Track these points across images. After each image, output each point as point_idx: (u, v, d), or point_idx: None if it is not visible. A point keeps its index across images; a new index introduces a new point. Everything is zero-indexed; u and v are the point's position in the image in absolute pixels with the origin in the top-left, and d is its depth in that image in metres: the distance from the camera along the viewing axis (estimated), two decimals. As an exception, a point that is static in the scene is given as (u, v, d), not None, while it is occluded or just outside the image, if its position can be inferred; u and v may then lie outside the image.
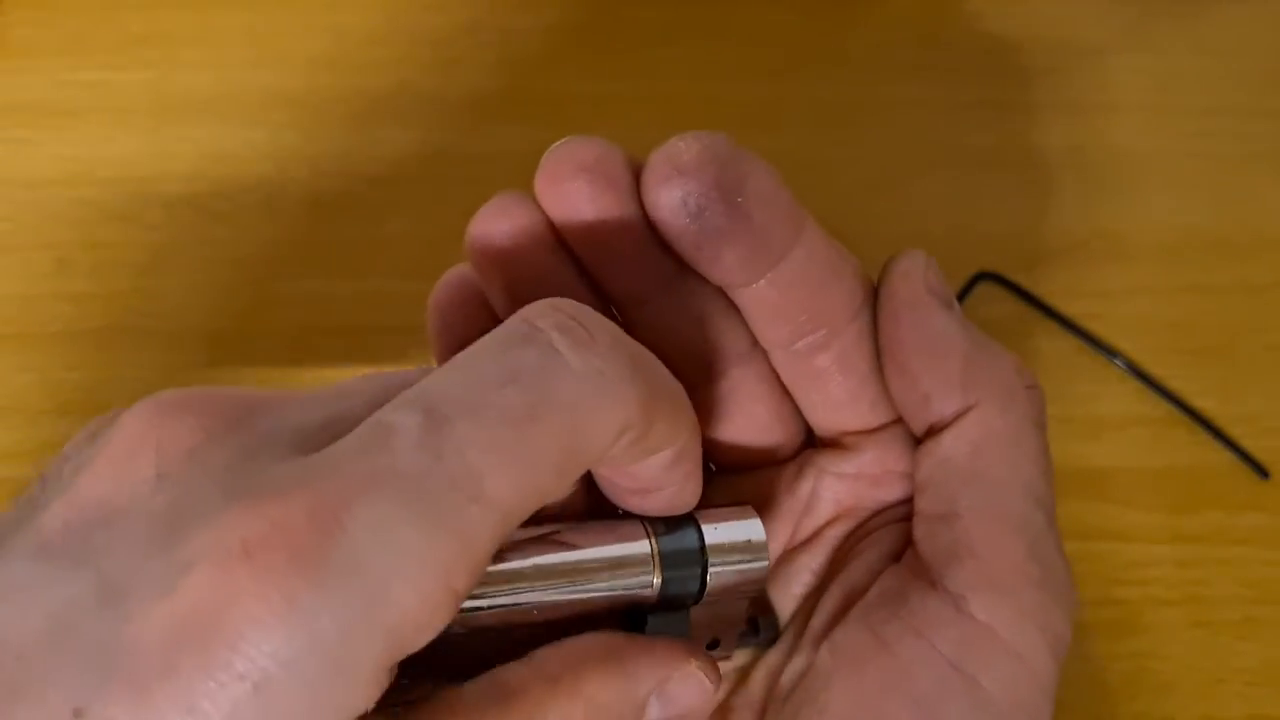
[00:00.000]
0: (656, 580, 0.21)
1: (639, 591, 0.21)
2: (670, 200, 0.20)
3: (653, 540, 0.21)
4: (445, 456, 0.16)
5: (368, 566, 0.15)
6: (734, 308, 0.22)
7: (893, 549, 0.22)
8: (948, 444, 0.21)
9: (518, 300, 0.19)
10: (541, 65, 0.41)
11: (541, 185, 0.21)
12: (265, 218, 0.39)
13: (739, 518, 0.22)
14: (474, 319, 0.23)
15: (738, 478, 0.24)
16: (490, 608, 0.19)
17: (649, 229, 0.21)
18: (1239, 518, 0.37)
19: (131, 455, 0.17)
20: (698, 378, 0.23)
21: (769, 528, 0.23)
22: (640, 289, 0.22)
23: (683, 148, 0.20)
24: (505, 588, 0.19)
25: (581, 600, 0.20)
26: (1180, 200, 0.40)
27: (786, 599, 0.24)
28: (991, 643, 0.20)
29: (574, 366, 0.17)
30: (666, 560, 0.21)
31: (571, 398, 0.17)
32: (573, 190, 0.21)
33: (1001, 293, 0.39)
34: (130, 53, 0.40)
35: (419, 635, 0.16)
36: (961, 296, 0.38)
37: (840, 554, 0.23)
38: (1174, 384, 0.38)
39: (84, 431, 0.18)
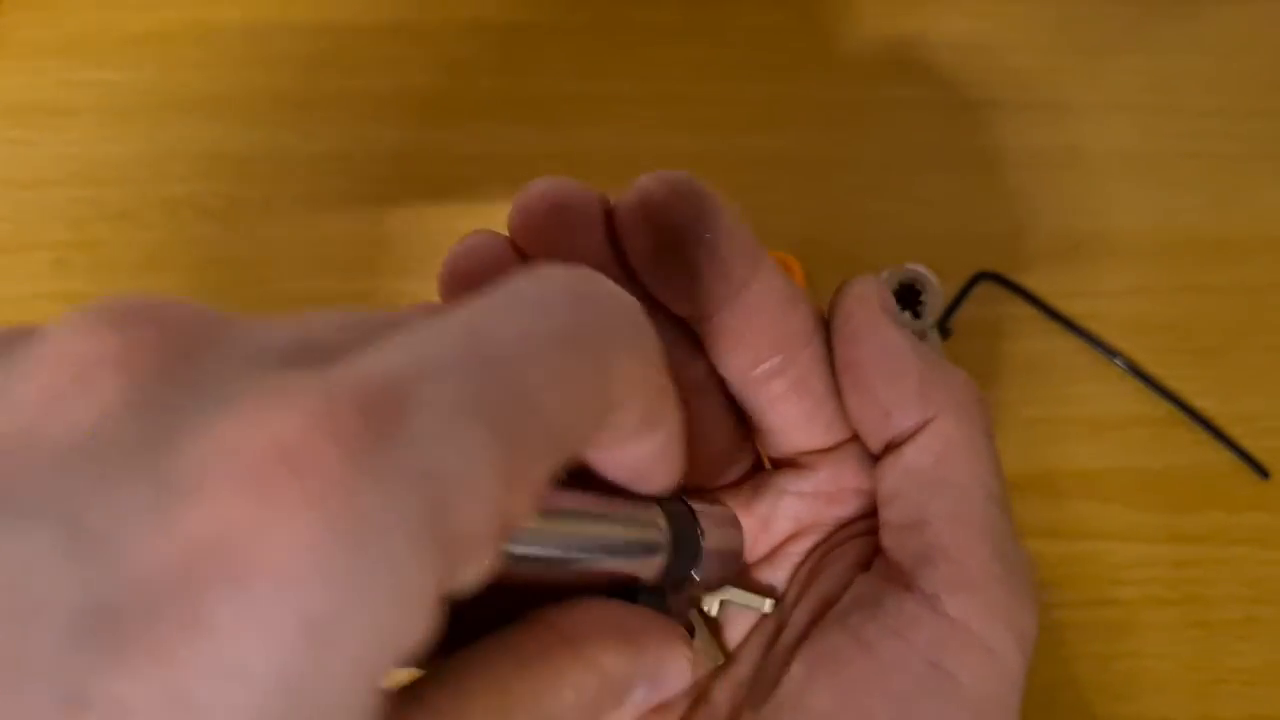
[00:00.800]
0: (663, 560, 0.21)
1: (643, 567, 0.21)
2: (642, 239, 0.21)
3: (665, 520, 0.21)
4: (493, 363, 0.14)
5: (437, 470, 0.12)
6: (692, 339, 0.23)
7: (859, 560, 0.23)
8: (910, 456, 0.22)
9: None
10: (542, 66, 0.41)
11: (515, 221, 0.22)
12: (264, 217, 0.39)
13: (723, 512, 0.23)
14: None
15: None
16: (521, 556, 0.18)
17: (613, 263, 0.22)
18: (1238, 517, 0.37)
19: (84, 380, 0.13)
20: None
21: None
22: None
23: (653, 188, 0.21)
24: (532, 541, 0.18)
25: (594, 568, 0.20)
26: (1180, 200, 0.40)
27: (746, 612, 0.24)
28: (965, 639, 0.21)
29: (602, 296, 0.16)
30: (677, 541, 0.21)
31: (601, 326, 0.15)
32: (542, 223, 0.21)
33: (1001, 293, 0.39)
34: (129, 53, 0.40)
35: (470, 566, 0.13)
36: (961, 296, 0.38)
37: (803, 571, 0.24)
38: (1174, 384, 0.38)
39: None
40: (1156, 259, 0.40)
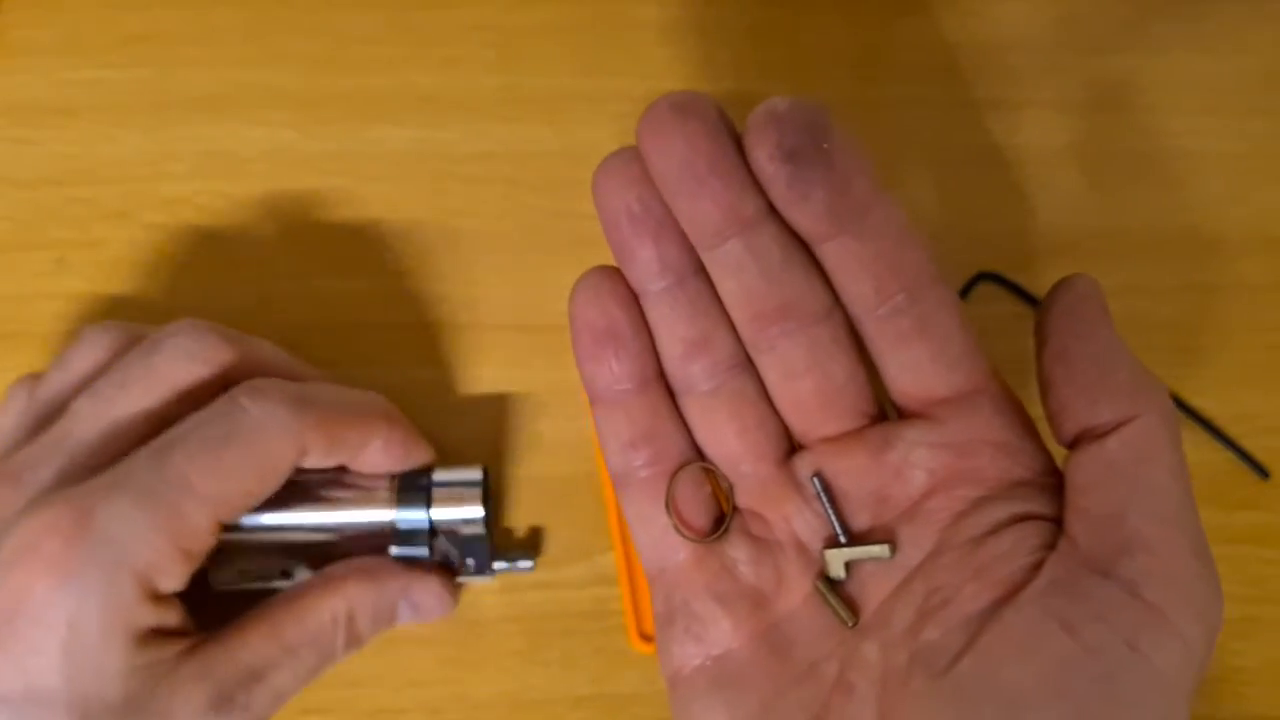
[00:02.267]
0: (393, 515, 0.33)
1: (382, 524, 0.32)
2: (766, 143, 0.23)
3: (391, 485, 0.33)
4: (164, 467, 0.28)
5: (114, 539, 0.26)
6: (820, 274, 0.25)
7: (1037, 541, 0.24)
8: (1114, 450, 0.24)
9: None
10: (541, 65, 0.41)
11: (644, 128, 0.24)
12: (264, 216, 0.39)
13: (465, 470, 0.34)
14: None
15: (820, 445, 0.26)
16: (269, 527, 0.31)
17: (738, 168, 0.24)
18: (1237, 517, 0.37)
19: None
20: (768, 329, 0.26)
21: (855, 493, 0.26)
22: (721, 224, 0.24)
23: (779, 102, 0.24)
24: (282, 519, 0.32)
25: (339, 528, 0.32)
26: (1178, 199, 0.40)
27: (891, 569, 0.25)
28: (1161, 624, 0.22)
29: (252, 412, 0.29)
30: (400, 500, 0.32)
31: (251, 428, 0.29)
32: (669, 127, 0.24)
33: (1001, 292, 0.39)
34: (129, 52, 0.40)
35: (168, 578, 0.28)
36: (961, 296, 0.38)
37: (956, 538, 0.25)
38: (1172, 383, 0.38)
39: None
40: (1155, 258, 0.40)
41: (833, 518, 0.26)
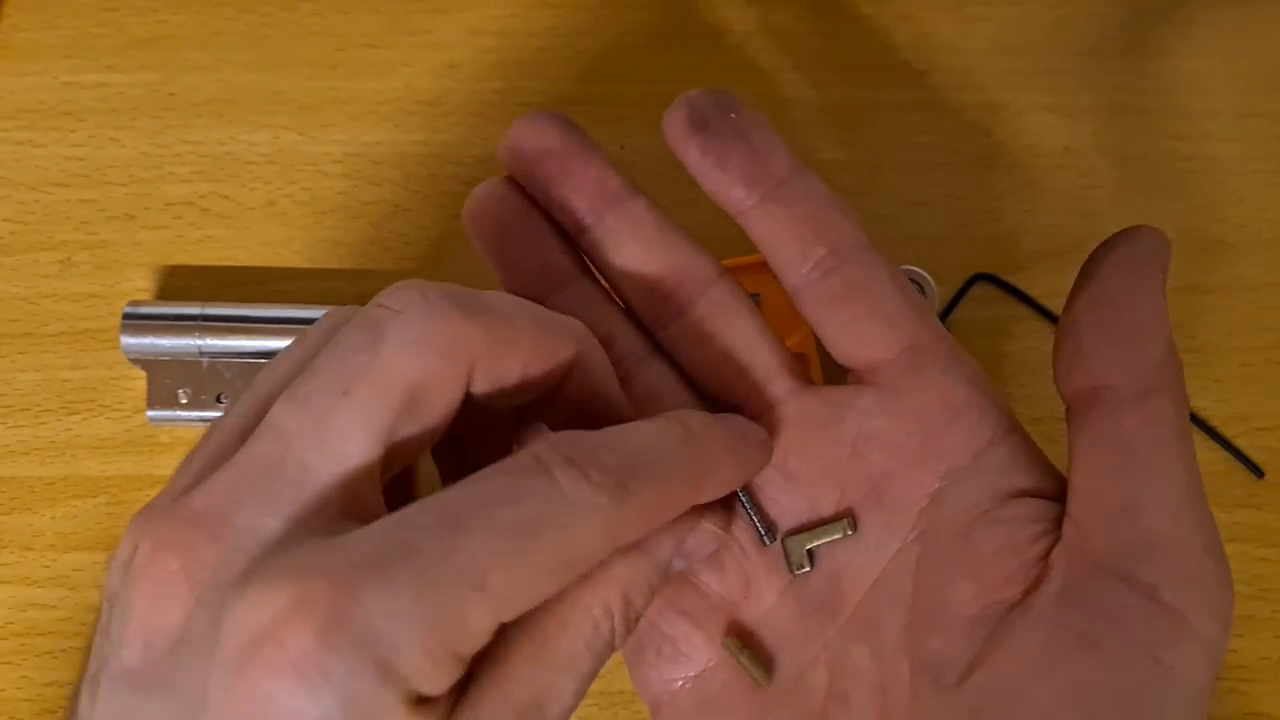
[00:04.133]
0: None
1: None
2: (678, 118, 0.25)
3: None
4: (454, 552, 0.19)
5: (381, 638, 0.18)
6: (694, 241, 0.26)
7: (1035, 533, 0.23)
8: (1133, 430, 0.22)
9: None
10: (541, 68, 0.41)
11: (508, 139, 0.26)
12: (267, 218, 0.39)
13: None
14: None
15: (764, 423, 0.25)
16: None
17: (595, 153, 0.26)
18: (1233, 516, 0.37)
19: (169, 589, 0.19)
20: (664, 303, 0.25)
21: (808, 474, 0.25)
22: (591, 199, 0.26)
23: (689, 91, 0.25)
24: None
25: None
26: (1176, 201, 0.40)
27: (866, 560, 0.24)
28: (1184, 630, 0.21)
29: (571, 495, 0.20)
30: None
31: (566, 520, 0.20)
32: (528, 129, 0.26)
33: (998, 294, 0.39)
34: (132, 55, 0.41)
35: (433, 684, 0.19)
36: (959, 297, 0.39)
37: (940, 531, 0.23)
38: (1169, 384, 0.38)
39: (118, 555, 0.21)
40: (1152, 260, 0.40)
41: (748, 508, 0.24)
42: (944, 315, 0.38)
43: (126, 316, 0.35)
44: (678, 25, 0.42)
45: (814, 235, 0.24)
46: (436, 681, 0.19)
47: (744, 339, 0.25)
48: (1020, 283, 0.39)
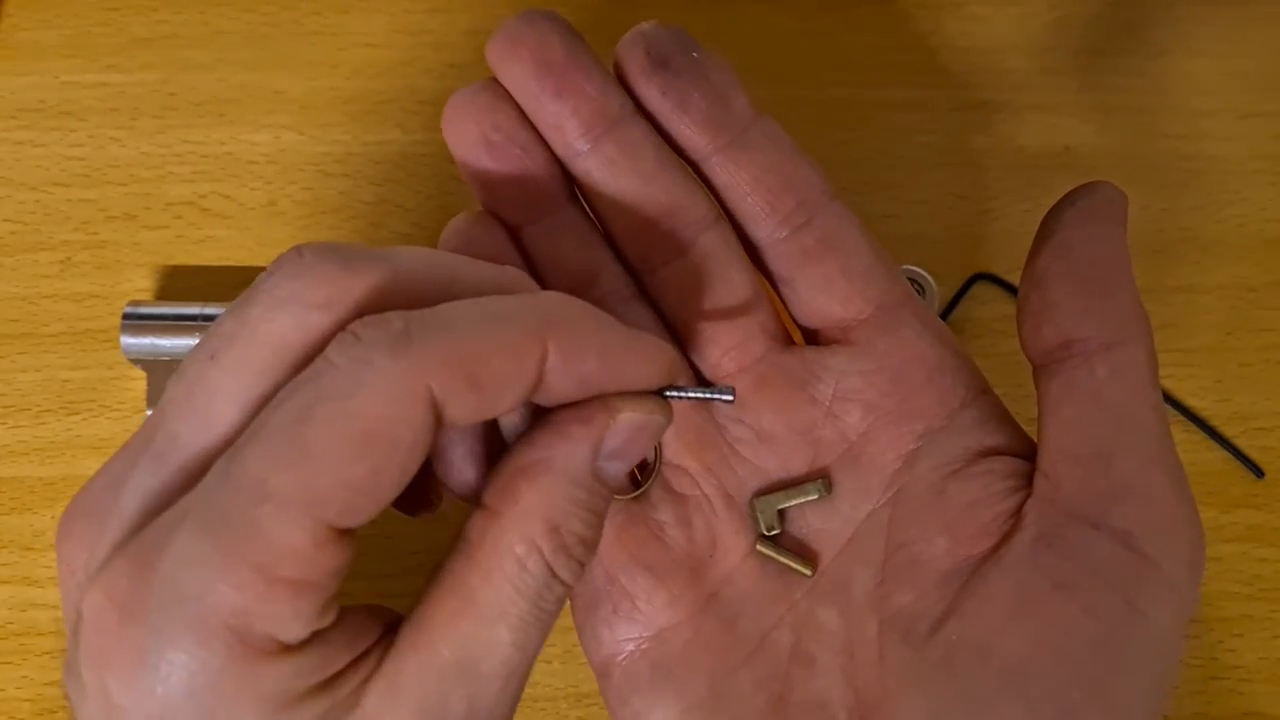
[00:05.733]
0: None
1: None
2: (636, 55, 0.23)
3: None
4: (230, 474, 0.17)
5: (185, 594, 0.17)
6: (693, 178, 0.24)
7: (1003, 486, 0.22)
8: (1103, 380, 0.22)
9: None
10: (542, 67, 0.41)
11: (495, 42, 0.24)
12: (268, 219, 0.39)
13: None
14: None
15: (735, 377, 0.24)
16: None
17: (596, 65, 0.24)
18: (1233, 516, 0.37)
19: (66, 579, 0.19)
20: (654, 245, 0.24)
21: (784, 434, 0.24)
22: (589, 120, 0.23)
23: (644, 24, 0.24)
24: None
25: None
26: (1174, 201, 0.40)
27: (839, 522, 0.23)
28: (1157, 576, 0.21)
29: (341, 366, 0.18)
30: None
31: (338, 392, 0.17)
32: (521, 33, 0.24)
33: (998, 293, 0.39)
34: (133, 55, 0.41)
35: (281, 622, 0.17)
36: (959, 297, 0.39)
37: (914, 490, 0.23)
38: (1168, 383, 0.38)
39: None
40: (1151, 259, 0.40)
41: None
42: (944, 315, 0.38)
43: (126, 316, 0.35)
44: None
45: (781, 187, 0.23)
46: (280, 618, 0.17)
47: (732, 293, 0.24)
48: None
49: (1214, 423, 0.38)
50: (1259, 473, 0.37)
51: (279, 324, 0.18)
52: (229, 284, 0.38)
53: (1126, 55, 0.42)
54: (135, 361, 0.36)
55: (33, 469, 0.36)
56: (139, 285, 0.38)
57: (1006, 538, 0.22)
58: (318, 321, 0.18)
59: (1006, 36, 0.42)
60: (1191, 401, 0.38)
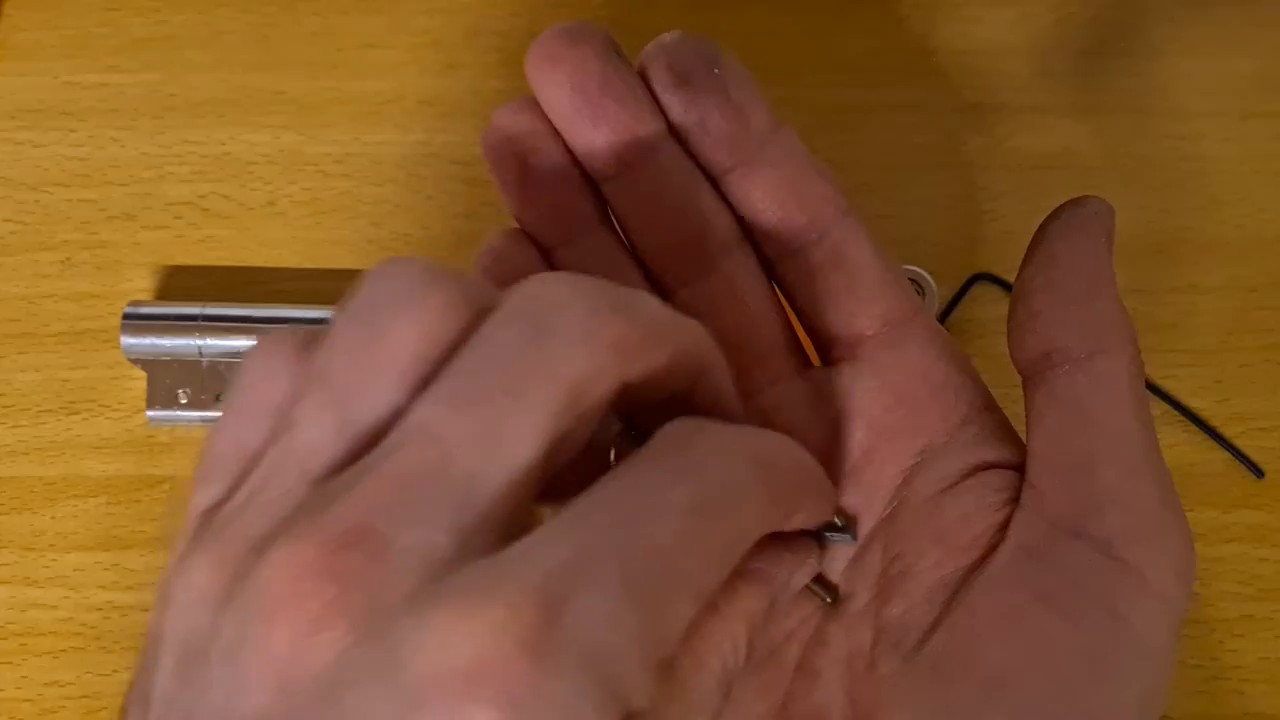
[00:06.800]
0: None
1: None
2: (659, 71, 0.23)
3: None
4: (639, 539, 0.16)
5: (596, 654, 0.15)
6: (719, 197, 0.24)
7: (994, 500, 0.22)
8: (1084, 389, 0.22)
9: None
10: (542, 68, 0.41)
11: (533, 58, 0.23)
12: (267, 218, 0.39)
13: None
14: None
15: (758, 395, 0.24)
16: None
17: (633, 90, 0.23)
18: (1233, 516, 0.37)
19: (319, 622, 0.16)
20: (682, 263, 0.24)
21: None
22: (620, 149, 0.23)
23: (667, 35, 0.24)
24: None
25: None
26: (1173, 201, 0.41)
27: (837, 549, 0.23)
28: (1141, 585, 0.20)
29: (724, 476, 0.18)
30: None
31: (728, 498, 0.17)
32: (559, 53, 0.23)
33: (998, 294, 0.39)
34: (133, 55, 0.41)
35: (642, 697, 0.16)
36: (958, 298, 0.39)
37: (911, 503, 0.23)
38: (1168, 384, 0.38)
39: (196, 586, 0.17)
40: (1151, 260, 0.40)
41: None
42: (944, 315, 0.38)
43: (126, 316, 0.35)
44: (679, 27, 0.42)
45: (794, 203, 0.23)
46: (646, 694, 0.16)
47: (751, 317, 0.24)
48: (1020, 283, 0.39)
49: (1214, 423, 0.38)
50: (1259, 473, 0.37)
51: (577, 366, 0.17)
52: (229, 284, 0.38)
53: (1125, 57, 0.42)
54: (135, 361, 0.36)
55: (32, 469, 0.36)
56: (139, 285, 0.38)
57: (993, 549, 0.22)
58: (606, 366, 0.18)
59: (1005, 38, 0.42)
60: (1191, 401, 0.38)
